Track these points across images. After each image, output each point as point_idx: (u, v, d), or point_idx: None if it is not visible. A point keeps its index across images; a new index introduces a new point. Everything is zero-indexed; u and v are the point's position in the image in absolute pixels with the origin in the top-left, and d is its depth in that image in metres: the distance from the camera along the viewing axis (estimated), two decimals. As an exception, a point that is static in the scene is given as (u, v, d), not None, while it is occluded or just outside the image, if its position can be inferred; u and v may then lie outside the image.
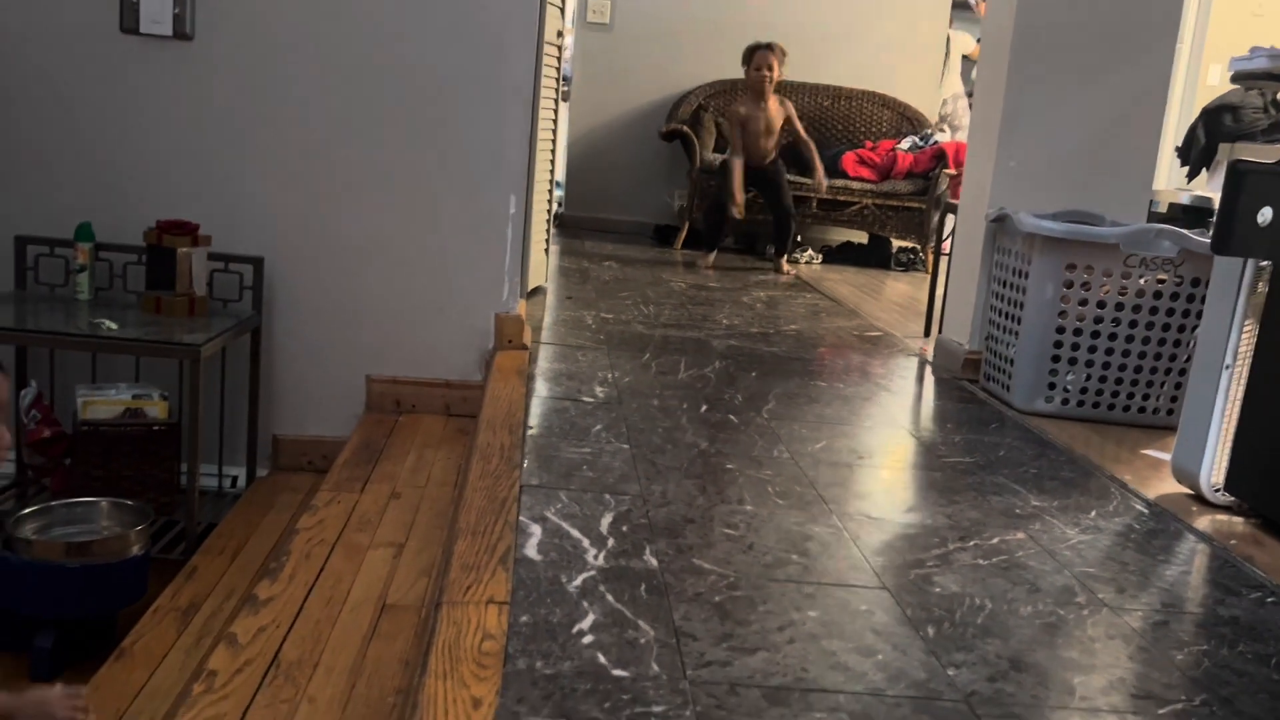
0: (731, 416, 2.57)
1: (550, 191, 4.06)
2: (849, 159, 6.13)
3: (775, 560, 1.71)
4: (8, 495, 2.90)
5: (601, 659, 1.33)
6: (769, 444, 2.36)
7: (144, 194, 2.96)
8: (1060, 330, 2.84)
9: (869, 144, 6.33)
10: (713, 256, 5.49)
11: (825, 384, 3.03)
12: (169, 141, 2.96)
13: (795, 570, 1.68)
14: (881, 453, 2.43)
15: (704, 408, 2.62)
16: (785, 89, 6.07)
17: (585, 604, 1.49)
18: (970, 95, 6.67)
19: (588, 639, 1.38)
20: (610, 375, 2.84)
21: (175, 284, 2.83)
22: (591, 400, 2.58)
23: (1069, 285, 2.82)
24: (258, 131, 2.97)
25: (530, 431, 2.28)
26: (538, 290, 3.98)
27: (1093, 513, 2.12)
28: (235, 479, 3.10)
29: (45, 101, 2.92)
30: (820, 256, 6.12)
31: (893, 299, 5.05)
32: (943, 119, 6.89)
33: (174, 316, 2.82)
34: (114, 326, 2.66)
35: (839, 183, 6.01)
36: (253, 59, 2.94)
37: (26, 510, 2.48)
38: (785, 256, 5.61)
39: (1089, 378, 2.86)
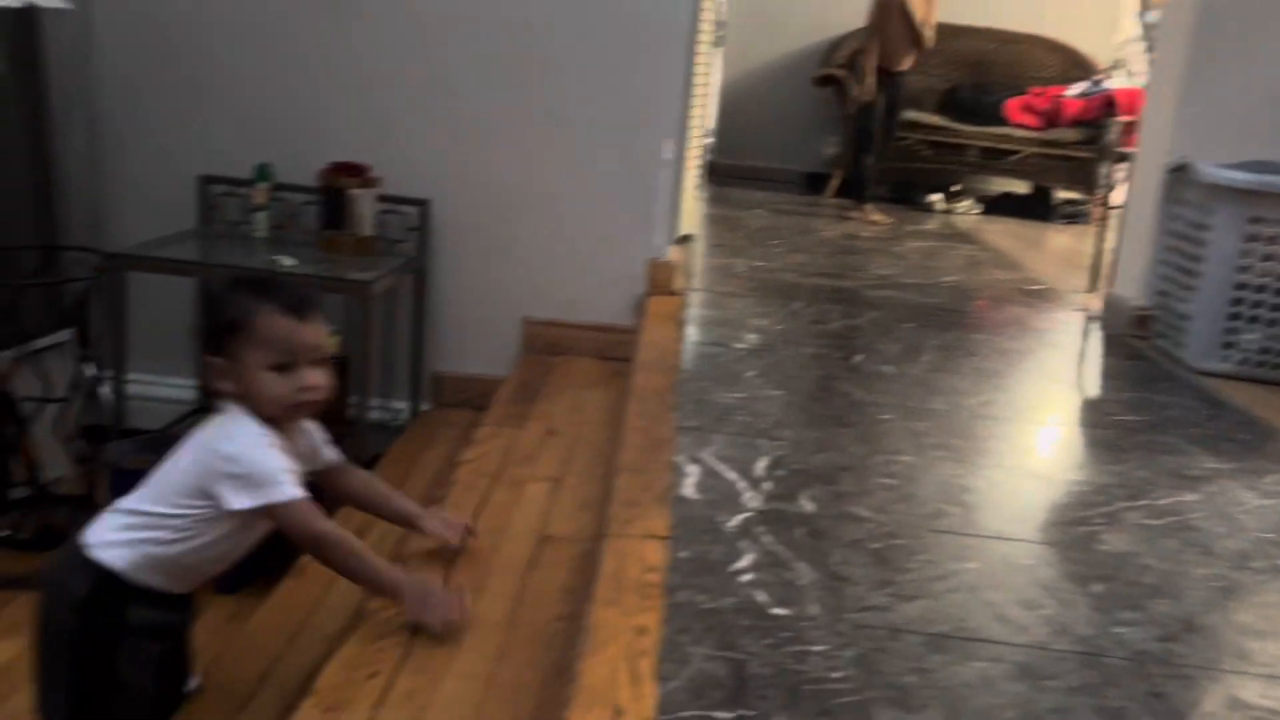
0: (886, 367, 2.54)
1: (703, 138, 4.05)
2: (1012, 105, 5.90)
3: (934, 511, 1.69)
4: (195, 418, 3.09)
5: (761, 597, 1.36)
6: (925, 395, 2.33)
7: (319, 136, 3.08)
8: (1241, 286, 2.70)
9: (1034, 90, 6.07)
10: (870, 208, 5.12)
11: (984, 337, 2.96)
12: (343, 86, 3.07)
13: (954, 521, 1.66)
14: (1044, 408, 2.37)
15: (858, 357, 2.60)
16: (945, 32, 5.85)
17: (743, 544, 1.51)
18: (1147, 39, 6.31)
19: (746, 577, 1.41)
20: (762, 323, 2.83)
21: (346, 224, 2.95)
22: (743, 346, 2.58)
23: (1252, 239, 2.67)
24: (424, 77, 3.05)
25: (684, 376, 2.31)
26: (688, 237, 3.98)
27: (1271, 477, 2.03)
28: (399, 413, 3.23)
29: (227, 49, 3.05)
30: (980, 207, 5.93)
31: (1055, 252, 4.87)
32: (1116, 64, 6.55)
33: (345, 255, 2.93)
34: (290, 263, 2.79)
35: (999, 130, 5.79)
36: (420, 4, 3.02)
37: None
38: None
39: (1271, 337, 2.71)
